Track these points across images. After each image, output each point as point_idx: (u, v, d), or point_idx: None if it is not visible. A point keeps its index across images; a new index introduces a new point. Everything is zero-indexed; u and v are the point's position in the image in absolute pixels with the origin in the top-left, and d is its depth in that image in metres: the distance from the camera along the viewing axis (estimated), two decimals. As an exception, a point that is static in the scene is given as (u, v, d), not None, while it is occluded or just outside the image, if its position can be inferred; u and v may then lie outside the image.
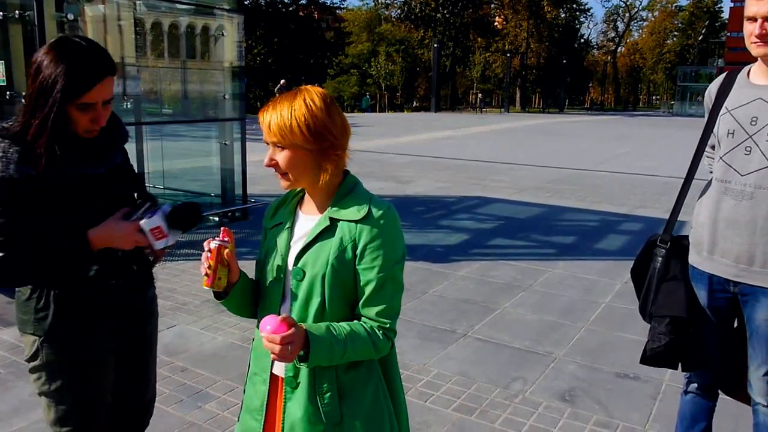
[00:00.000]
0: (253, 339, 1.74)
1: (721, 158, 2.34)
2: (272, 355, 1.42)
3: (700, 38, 71.12)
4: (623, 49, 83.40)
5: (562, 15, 69.09)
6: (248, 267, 1.65)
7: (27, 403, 3.30)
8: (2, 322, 4.36)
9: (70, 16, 5.50)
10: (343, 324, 1.54)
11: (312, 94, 1.53)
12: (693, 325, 2.39)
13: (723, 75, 2.46)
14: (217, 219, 7.75)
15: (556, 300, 5.19)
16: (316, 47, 48.45)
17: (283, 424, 1.62)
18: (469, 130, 27.34)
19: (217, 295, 1.64)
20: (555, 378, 3.79)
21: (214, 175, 8.21)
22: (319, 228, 1.57)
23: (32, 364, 1.92)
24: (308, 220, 1.63)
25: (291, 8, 48.02)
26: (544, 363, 4.00)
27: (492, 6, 65.88)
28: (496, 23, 66.61)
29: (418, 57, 59.09)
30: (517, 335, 4.44)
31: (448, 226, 8.06)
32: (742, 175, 2.25)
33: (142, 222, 1.81)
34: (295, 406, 1.59)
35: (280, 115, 1.50)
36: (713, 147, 2.45)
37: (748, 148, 2.24)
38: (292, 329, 1.40)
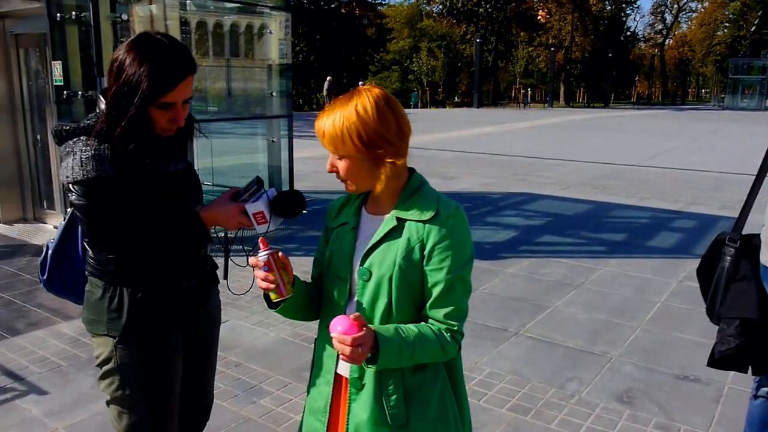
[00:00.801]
0: (316, 340, 1.72)
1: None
2: (342, 356, 1.40)
3: (752, 29, 68.74)
4: (671, 41, 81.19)
5: (608, 7, 67.60)
6: (297, 263, 1.63)
7: (87, 395, 3.37)
8: (62, 315, 4.44)
9: (124, 17, 5.62)
10: (411, 326, 1.51)
11: (364, 99, 1.49)
12: (765, 328, 2.31)
13: None
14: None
15: (608, 299, 5.08)
16: (358, 44, 48.61)
17: (347, 425, 1.59)
18: (512, 126, 27.06)
19: (271, 304, 1.60)
20: (611, 379, 3.71)
21: (262, 171, 8.30)
22: (387, 228, 1.55)
23: (105, 368, 1.86)
24: (374, 220, 1.61)
25: (333, 5, 48.27)
26: (600, 363, 3.91)
27: (535, 0, 64.97)
28: (539, 17, 65.61)
29: (459, 52, 58.56)
30: (570, 334, 4.36)
31: (496, 222, 7.98)
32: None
33: (246, 205, 1.81)
34: (361, 408, 1.57)
35: (333, 124, 1.48)
36: None
37: None
38: (364, 330, 1.39)
